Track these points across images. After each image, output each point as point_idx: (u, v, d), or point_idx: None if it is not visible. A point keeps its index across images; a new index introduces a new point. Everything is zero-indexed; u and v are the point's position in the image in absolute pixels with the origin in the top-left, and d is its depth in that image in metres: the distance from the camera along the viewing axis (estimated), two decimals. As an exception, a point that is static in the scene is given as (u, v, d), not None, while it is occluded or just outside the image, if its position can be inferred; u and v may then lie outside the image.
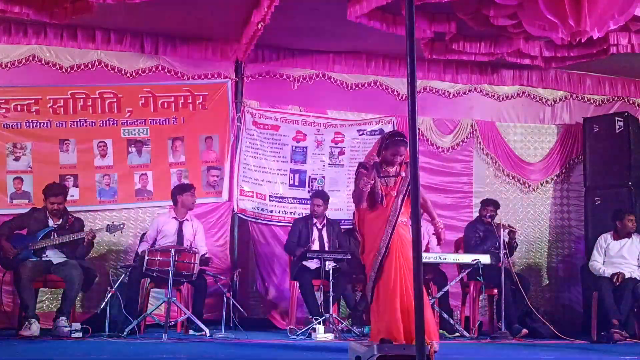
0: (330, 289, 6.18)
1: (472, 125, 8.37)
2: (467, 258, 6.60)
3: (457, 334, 6.52)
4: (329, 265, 6.31)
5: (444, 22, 6.48)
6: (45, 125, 7.19)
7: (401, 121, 7.98)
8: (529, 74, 8.33)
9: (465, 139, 8.34)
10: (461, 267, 6.76)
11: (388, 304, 4.51)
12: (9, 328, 6.23)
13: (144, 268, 6.02)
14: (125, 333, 5.72)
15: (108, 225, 6.35)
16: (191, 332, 6.21)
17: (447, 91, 8.33)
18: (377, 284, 4.60)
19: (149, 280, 6.28)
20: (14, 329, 6.01)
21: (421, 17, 6.39)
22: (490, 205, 7.21)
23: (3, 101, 7.09)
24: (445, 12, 6.36)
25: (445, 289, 6.65)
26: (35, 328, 5.68)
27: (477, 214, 7.46)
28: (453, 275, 6.92)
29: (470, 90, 8.39)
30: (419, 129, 8.12)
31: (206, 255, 6.52)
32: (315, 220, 7.00)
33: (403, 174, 4.67)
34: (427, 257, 6.38)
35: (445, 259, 6.66)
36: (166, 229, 6.61)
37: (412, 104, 2.28)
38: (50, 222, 6.23)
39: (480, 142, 8.35)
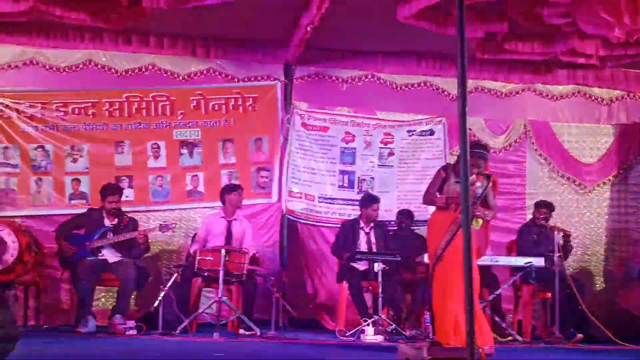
0: (380, 291, 6.16)
1: (525, 126, 8.22)
2: (520, 261, 6.50)
3: (510, 338, 6.41)
4: (378, 266, 6.28)
5: (496, 22, 6.38)
6: (101, 128, 7.39)
7: (452, 122, 7.88)
8: (584, 73, 8.10)
9: (518, 140, 8.20)
10: (514, 270, 6.64)
11: (439, 308, 4.67)
12: (67, 325, 6.42)
13: (195, 268, 6.12)
14: (177, 331, 5.83)
15: (160, 224, 6.48)
16: (242, 331, 6.27)
17: (500, 91, 8.21)
18: (432, 288, 4.77)
19: (200, 279, 6.38)
20: (71, 325, 6.19)
21: (472, 16, 6.30)
22: (544, 207, 7.06)
23: (61, 104, 7.32)
24: (497, 12, 6.26)
25: (497, 292, 6.55)
26: (92, 325, 5.84)
27: (531, 216, 7.32)
28: (505, 278, 6.81)
29: (523, 90, 8.24)
30: (470, 130, 8.03)
31: (256, 255, 6.58)
32: (362, 223, 6.97)
33: (478, 184, 4.81)
34: (478, 260, 6.28)
35: (497, 261, 6.56)
36: (215, 229, 6.70)
37: (463, 105, 2.25)
38: (106, 222, 6.40)
39: (533, 143, 8.19)
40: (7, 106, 7.17)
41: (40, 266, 6.58)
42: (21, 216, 7.02)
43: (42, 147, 7.24)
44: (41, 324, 6.51)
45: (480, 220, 4.86)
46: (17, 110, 7.19)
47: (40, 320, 6.59)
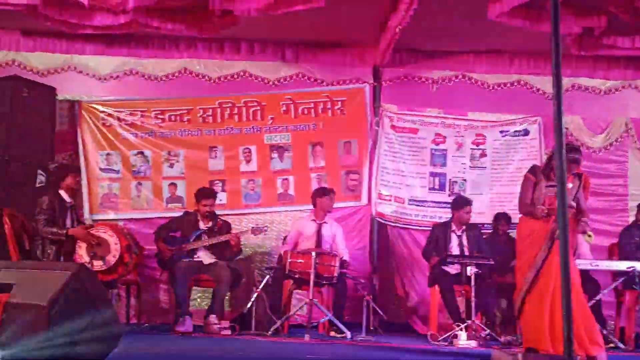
0: (473, 295, 6.03)
1: (626, 124, 7.83)
2: (622, 265, 6.20)
3: (612, 345, 6.11)
4: (470, 270, 6.15)
5: (593, 16, 6.12)
6: (196, 134, 7.64)
7: (548, 121, 7.61)
8: (690, 67, 7.64)
9: (619, 139, 7.82)
10: (615, 274, 6.34)
11: (536, 316, 4.58)
12: (166, 323, 6.68)
13: (286, 270, 6.21)
14: (270, 332, 5.93)
15: (252, 227, 6.63)
16: (332, 333, 6.30)
17: (598, 88, 7.87)
18: (528, 297, 4.66)
19: (291, 281, 6.46)
20: (170, 324, 6.43)
21: (568, 11, 6.07)
22: (649, 208, 6.71)
23: (159, 112, 7.62)
24: (594, 6, 6.00)
25: (597, 297, 6.27)
26: (188, 324, 6.03)
27: (634, 218, 6.96)
28: (606, 283, 6.51)
29: (624, 87, 7.86)
30: (567, 129, 7.75)
31: (345, 259, 6.59)
32: (454, 226, 6.84)
33: (570, 185, 4.63)
34: (577, 264, 6.05)
35: (597, 265, 6.28)
36: (306, 232, 6.77)
37: (558, 104, 2.17)
38: (201, 225, 6.59)
39: (636, 142, 7.79)
40: (109, 114, 7.55)
41: (140, 267, 6.86)
42: (122, 219, 7.37)
43: (141, 152, 7.57)
44: (142, 322, 6.80)
45: (592, 235, 4.72)
46: (119, 118, 7.56)
47: (141, 318, 6.88)
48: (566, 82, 7.73)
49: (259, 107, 7.66)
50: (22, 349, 2.86)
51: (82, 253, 5.76)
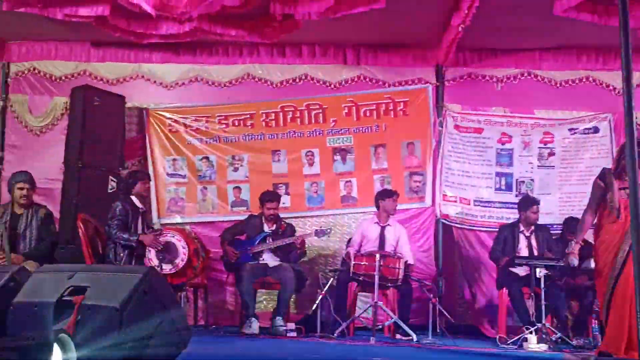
0: (542, 298, 5.87)
1: (703, 119, 7.47)
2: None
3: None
4: (540, 272, 5.99)
5: (666, 7, 5.86)
6: (259, 138, 7.74)
7: (618, 118, 7.35)
8: None
9: (696, 135, 7.47)
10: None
11: (617, 319, 4.42)
12: (232, 325, 6.78)
13: (350, 272, 6.21)
14: (335, 334, 5.94)
15: (316, 230, 6.67)
16: (398, 336, 6.25)
17: (673, 82, 7.54)
18: (611, 301, 4.52)
19: (356, 284, 6.45)
20: (236, 326, 6.52)
21: (637, 4, 5.84)
22: None
23: (223, 117, 7.76)
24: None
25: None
26: (255, 326, 6.11)
27: None
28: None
29: (702, 80, 7.51)
30: (639, 125, 7.45)
31: (409, 263, 6.52)
32: (522, 227, 6.68)
33: None
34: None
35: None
36: (369, 235, 6.75)
37: (629, 99, 2.09)
38: (266, 228, 6.68)
39: None
40: (175, 121, 7.74)
41: (207, 270, 6.99)
42: (189, 223, 7.54)
43: (206, 157, 7.73)
44: (210, 324, 6.92)
45: None
46: (185, 125, 7.73)
47: (208, 320, 7.01)
48: (637, 77, 7.44)
49: (321, 110, 7.70)
50: (95, 349, 2.96)
51: (152, 257, 5.92)
